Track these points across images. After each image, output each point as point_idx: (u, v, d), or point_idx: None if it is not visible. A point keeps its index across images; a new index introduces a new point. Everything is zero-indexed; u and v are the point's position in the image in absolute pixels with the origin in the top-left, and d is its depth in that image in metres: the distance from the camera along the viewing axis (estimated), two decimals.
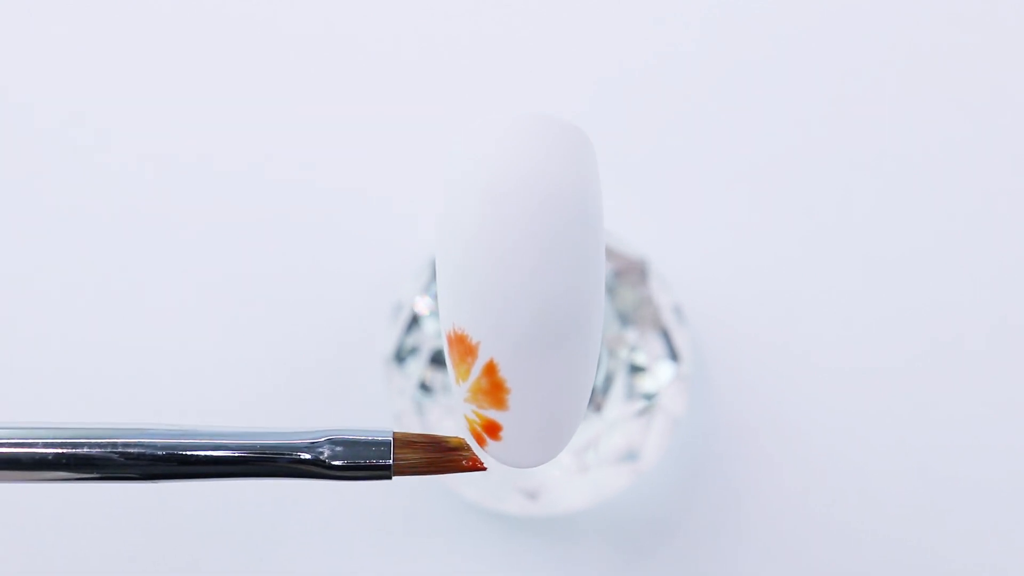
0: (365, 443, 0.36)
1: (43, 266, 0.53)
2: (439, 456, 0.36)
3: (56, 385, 0.53)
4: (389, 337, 0.51)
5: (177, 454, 0.35)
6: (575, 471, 0.50)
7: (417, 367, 0.50)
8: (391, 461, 0.36)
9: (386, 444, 0.36)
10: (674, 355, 0.50)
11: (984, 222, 0.53)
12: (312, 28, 0.54)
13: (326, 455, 0.35)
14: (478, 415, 0.36)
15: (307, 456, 0.35)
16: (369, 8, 0.54)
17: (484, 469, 0.37)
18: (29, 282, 0.53)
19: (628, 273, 0.51)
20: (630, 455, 0.50)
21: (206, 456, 0.35)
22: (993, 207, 0.53)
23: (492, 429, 0.36)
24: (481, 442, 0.37)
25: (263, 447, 0.35)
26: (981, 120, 0.53)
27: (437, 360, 0.50)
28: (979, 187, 0.53)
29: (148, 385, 0.53)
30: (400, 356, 0.50)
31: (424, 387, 0.50)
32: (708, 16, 0.54)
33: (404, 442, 0.36)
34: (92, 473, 0.35)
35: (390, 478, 0.36)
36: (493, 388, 0.36)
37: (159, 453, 0.35)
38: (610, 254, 0.51)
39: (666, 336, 0.50)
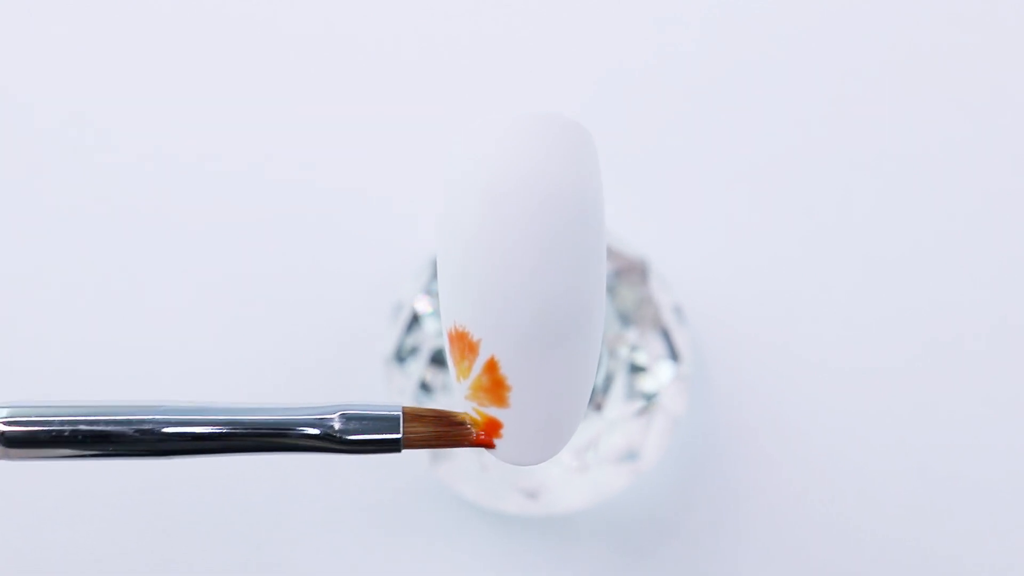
0: (375, 417, 0.36)
1: (43, 266, 0.53)
2: (448, 430, 0.36)
3: (56, 385, 0.53)
4: (389, 337, 0.51)
5: (190, 430, 0.36)
6: (575, 471, 0.50)
7: (417, 367, 0.50)
8: (401, 435, 0.36)
9: (395, 418, 0.36)
10: (674, 355, 0.50)
11: (984, 222, 0.53)
12: (312, 28, 0.54)
13: (337, 429, 0.36)
14: (479, 412, 0.36)
15: (317, 431, 0.36)
16: (369, 8, 0.54)
17: (492, 446, 0.37)
18: (29, 282, 0.53)
19: (628, 273, 0.51)
20: (630, 455, 0.50)
21: (219, 432, 0.36)
22: (993, 207, 0.53)
23: (493, 427, 0.36)
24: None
25: (274, 422, 0.36)
26: (981, 120, 0.53)
27: (437, 360, 0.50)
28: (979, 187, 0.53)
29: (148, 385, 0.53)
30: (400, 356, 0.50)
31: (424, 387, 0.50)
32: (708, 16, 0.54)
33: (413, 416, 0.36)
34: (107, 449, 0.35)
35: (400, 451, 0.36)
36: (494, 385, 0.36)
37: (172, 429, 0.36)
38: (610, 254, 0.51)
39: (666, 336, 0.50)
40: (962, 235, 0.53)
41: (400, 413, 0.36)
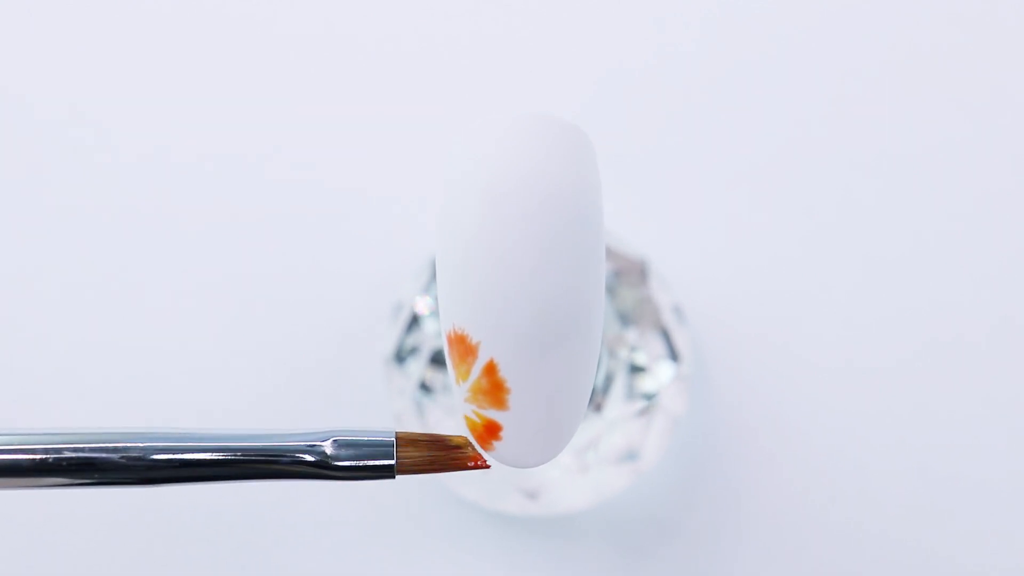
0: (368, 443, 0.36)
1: (43, 266, 0.53)
2: (442, 454, 0.36)
3: (56, 386, 0.53)
4: (389, 337, 0.51)
5: (178, 457, 0.35)
6: (575, 471, 0.50)
7: (417, 367, 0.50)
8: (394, 461, 0.36)
9: (389, 444, 0.36)
10: (674, 355, 0.50)
11: (984, 222, 0.53)
12: (312, 28, 0.54)
13: (329, 455, 0.35)
14: (478, 415, 0.36)
15: (310, 458, 0.35)
16: (369, 8, 0.54)
17: (488, 467, 0.37)
18: (29, 282, 0.53)
19: (628, 273, 0.51)
20: (630, 455, 0.50)
21: (208, 459, 0.35)
22: (993, 207, 0.53)
23: (492, 429, 0.36)
24: (483, 442, 0.37)
25: (265, 449, 0.35)
26: (981, 120, 0.53)
27: (437, 360, 0.50)
28: (979, 187, 0.53)
29: (148, 385, 0.53)
30: (400, 356, 0.50)
31: (424, 387, 0.50)
32: (708, 16, 0.54)
33: (407, 441, 0.36)
34: (93, 477, 0.35)
35: (394, 477, 0.36)
36: (493, 388, 0.36)
37: (160, 456, 0.35)
38: (610, 254, 0.51)
39: (666, 336, 0.50)
40: (962, 235, 0.53)
41: (394, 439, 0.36)
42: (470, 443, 0.37)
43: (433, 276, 0.51)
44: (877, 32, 0.54)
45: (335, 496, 0.52)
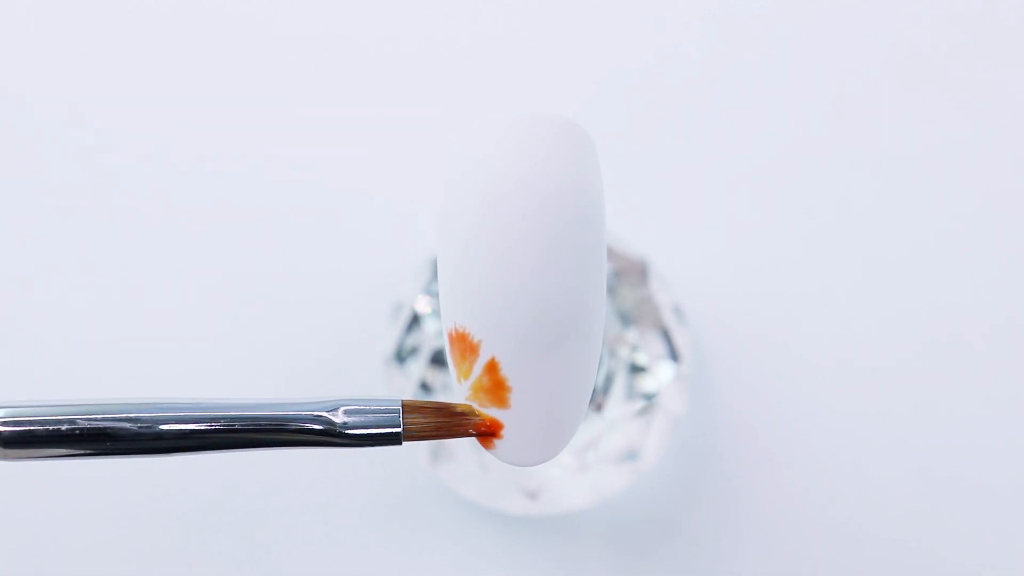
0: (374, 411, 0.36)
1: (43, 266, 0.53)
2: (448, 420, 0.37)
3: (56, 385, 0.53)
4: (389, 337, 0.51)
5: (190, 427, 0.35)
6: (575, 471, 0.50)
7: (417, 367, 0.50)
8: (401, 428, 0.36)
9: (395, 411, 0.36)
10: (674, 355, 0.50)
11: (984, 222, 0.53)
12: (312, 28, 0.54)
13: (337, 423, 0.36)
14: (479, 414, 0.36)
15: (318, 426, 0.36)
16: (369, 8, 0.54)
17: (497, 435, 0.37)
18: (29, 282, 0.53)
19: (628, 273, 0.51)
20: (630, 455, 0.50)
21: (218, 427, 0.36)
22: (993, 207, 0.53)
23: (494, 428, 0.36)
24: (484, 441, 0.37)
25: (274, 417, 0.36)
26: (981, 120, 0.53)
27: (437, 360, 0.50)
28: (979, 187, 0.53)
29: (148, 385, 0.53)
30: (400, 356, 0.50)
31: (424, 387, 0.50)
32: (708, 16, 0.54)
33: (413, 408, 0.36)
34: (106, 446, 0.35)
35: (400, 444, 0.36)
36: (494, 386, 0.36)
37: (171, 425, 0.35)
38: (610, 254, 0.51)
39: (666, 336, 0.50)
40: (962, 235, 0.53)
41: (400, 406, 0.36)
42: (474, 410, 0.37)
43: (433, 276, 0.51)
44: (877, 32, 0.54)
45: (335, 495, 0.52)
